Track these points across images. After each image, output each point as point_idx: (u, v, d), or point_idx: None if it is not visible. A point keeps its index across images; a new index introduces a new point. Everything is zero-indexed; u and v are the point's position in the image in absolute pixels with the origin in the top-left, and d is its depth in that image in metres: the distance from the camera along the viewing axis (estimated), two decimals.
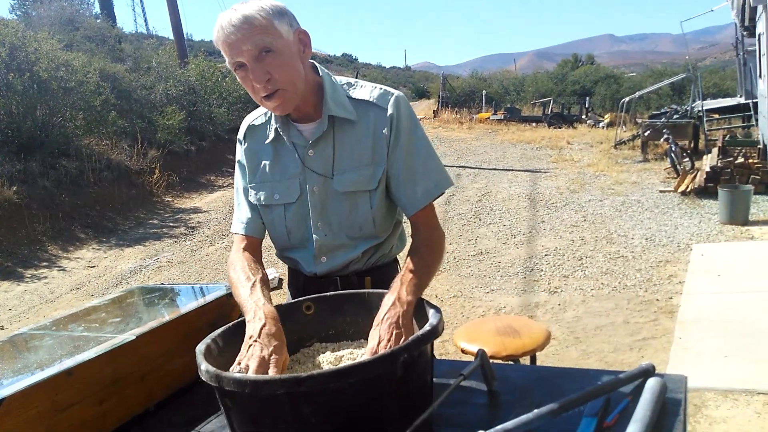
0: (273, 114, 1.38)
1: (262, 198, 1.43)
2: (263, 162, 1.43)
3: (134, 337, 1.27)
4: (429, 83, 44.53)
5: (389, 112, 1.35)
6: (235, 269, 1.33)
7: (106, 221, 8.91)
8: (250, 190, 1.45)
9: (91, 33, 16.72)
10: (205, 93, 14.30)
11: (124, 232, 8.58)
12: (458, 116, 19.71)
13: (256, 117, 1.46)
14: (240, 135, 1.48)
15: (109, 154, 10.27)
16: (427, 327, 1.04)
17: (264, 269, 1.35)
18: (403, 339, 1.07)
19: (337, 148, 1.37)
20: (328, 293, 1.32)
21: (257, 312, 1.14)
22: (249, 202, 1.46)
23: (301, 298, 1.31)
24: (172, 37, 16.77)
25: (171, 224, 8.89)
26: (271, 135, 1.41)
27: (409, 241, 1.43)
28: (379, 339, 1.08)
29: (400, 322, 1.10)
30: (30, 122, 9.11)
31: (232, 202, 1.56)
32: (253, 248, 1.42)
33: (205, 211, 9.52)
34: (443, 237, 1.41)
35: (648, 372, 1.11)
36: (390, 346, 1.06)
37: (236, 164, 1.50)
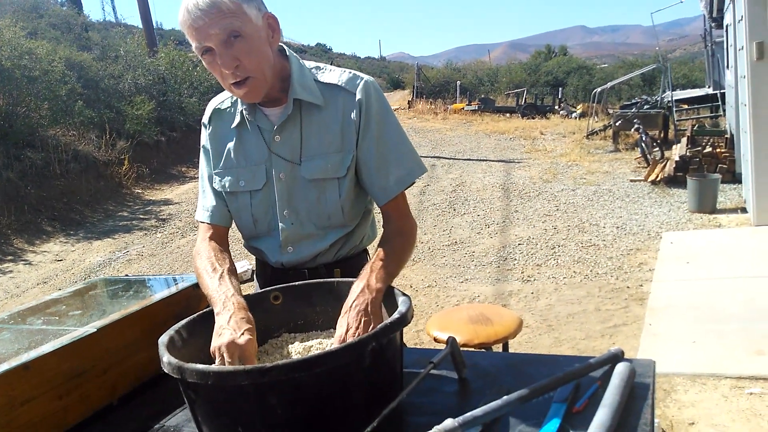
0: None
1: (227, 185, 1.39)
2: (228, 147, 1.39)
3: (95, 330, 1.23)
4: (404, 74, 44.51)
5: (358, 97, 1.32)
6: (201, 259, 1.30)
7: (74, 214, 8.71)
8: (214, 176, 1.41)
9: (56, 20, 16.32)
10: (175, 82, 14.04)
11: (93, 225, 8.40)
12: (433, 107, 19.74)
13: (222, 100, 1.42)
14: (205, 119, 1.44)
15: (76, 144, 10.01)
16: (396, 315, 1.02)
17: (231, 259, 1.32)
18: (371, 327, 1.05)
19: (304, 133, 1.33)
20: (297, 282, 1.29)
21: (226, 303, 1.11)
22: (214, 189, 1.42)
23: (269, 288, 1.29)
24: (140, 25, 16.43)
25: (141, 216, 8.73)
26: (237, 119, 1.37)
27: (380, 230, 1.41)
28: (347, 327, 1.06)
29: (369, 309, 1.08)
30: None
31: None
32: (220, 237, 1.39)
33: (176, 203, 9.36)
34: (415, 226, 1.39)
35: (617, 357, 1.11)
36: (358, 334, 1.04)
37: (201, 149, 1.45)
